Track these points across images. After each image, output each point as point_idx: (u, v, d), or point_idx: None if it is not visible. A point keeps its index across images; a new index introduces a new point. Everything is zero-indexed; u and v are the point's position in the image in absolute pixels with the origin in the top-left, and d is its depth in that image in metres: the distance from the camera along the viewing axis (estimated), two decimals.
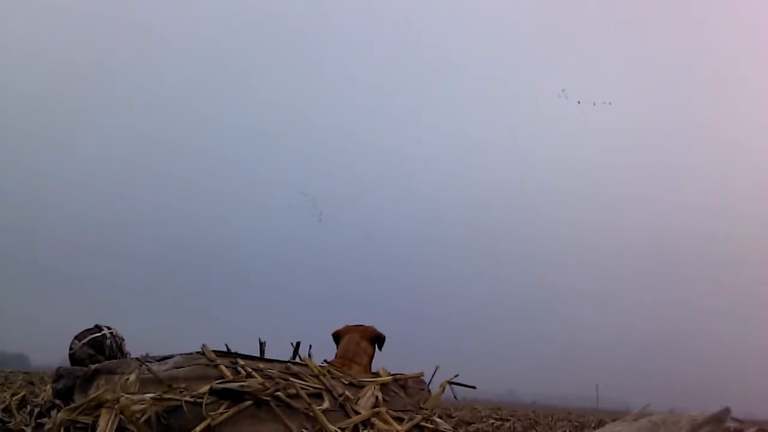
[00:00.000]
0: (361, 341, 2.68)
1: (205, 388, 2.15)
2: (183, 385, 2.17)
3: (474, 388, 2.55)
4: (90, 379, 2.30)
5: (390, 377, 2.47)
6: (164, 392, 2.12)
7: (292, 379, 2.31)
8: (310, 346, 2.53)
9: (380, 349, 2.73)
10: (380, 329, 2.86)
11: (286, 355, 2.60)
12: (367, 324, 2.80)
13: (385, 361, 2.84)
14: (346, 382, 2.40)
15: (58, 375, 2.37)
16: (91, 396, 2.13)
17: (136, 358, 2.31)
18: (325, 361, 2.59)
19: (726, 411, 1.76)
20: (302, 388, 2.23)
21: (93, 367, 2.32)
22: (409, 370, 2.62)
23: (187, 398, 2.10)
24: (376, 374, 2.53)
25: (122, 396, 2.08)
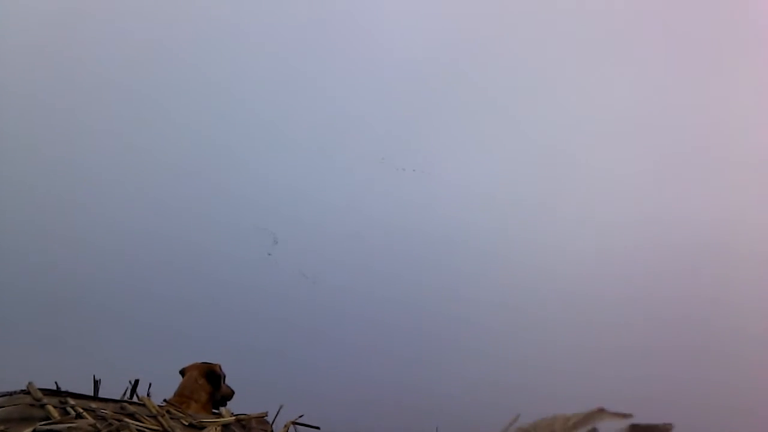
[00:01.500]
0: (199, 378, 2.61)
1: (28, 430, 1.99)
2: (1, 428, 2.00)
3: (318, 428, 2.55)
4: None
5: (232, 417, 2.42)
6: None
7: (127, 419, 2.19)
8: (150, 385, 2.42)
9: (216, 387, 2.65)
10: (226, 366, 2.80)
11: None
12: (213, 362, 2.73)
13: (234, 402, 2.78)
14: (186, 423, 2.31)
15: None
16: None
17: None
18: (165, 400, 2.48)
19: (600, 411, 1.76)
20: (138, 430, 2.13)
21: None
22: (254, 409, 2.58)
23: None
24: (219, 414, 2.47)
25: None
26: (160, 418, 2.27)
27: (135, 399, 2.38)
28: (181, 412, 2.36)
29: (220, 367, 2.69)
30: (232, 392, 2.74)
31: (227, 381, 2.78)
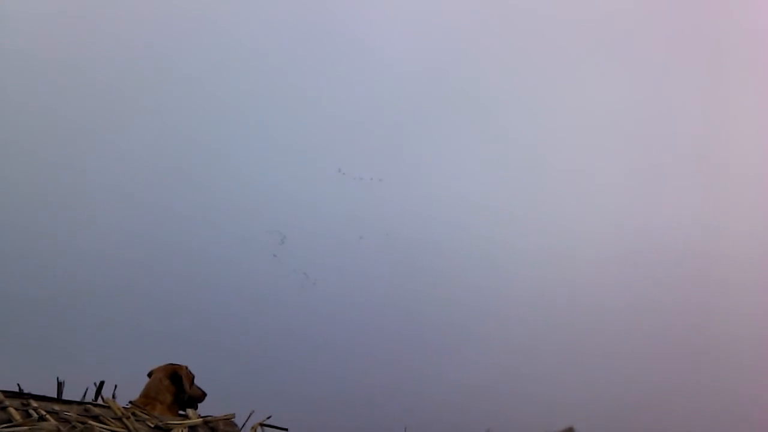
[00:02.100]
0: (164, 379, 2.61)
1: None
2: None
3: (286, 430, 2.53)
4: None
5: (200, 419, 2.40)
6: None
7: (91, 422, 2.17)
8: (115, 387, 2.41)
9: (180, 388, 2.64)
10: (204, 368, 2.79)
11: None
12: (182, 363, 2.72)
13: (209, 404, 2.77)
14: (152, 425, 2.30)
15: None
16: None
17: None
18: (130, 402, 2.47)
19: (569, 430, 1.74)
20: None
21: None
22: (233, 410, 2.56)
23: None
24: (186, 416, 2.45)
25: None
26: (125, 420, 2.25)
27: (100, 401, 2.36)
28: (146, 414, 2.34)
29: (187, 368, 2.67)
30: (204, 394, 2.71)
31: (200, 383, 2.76)
